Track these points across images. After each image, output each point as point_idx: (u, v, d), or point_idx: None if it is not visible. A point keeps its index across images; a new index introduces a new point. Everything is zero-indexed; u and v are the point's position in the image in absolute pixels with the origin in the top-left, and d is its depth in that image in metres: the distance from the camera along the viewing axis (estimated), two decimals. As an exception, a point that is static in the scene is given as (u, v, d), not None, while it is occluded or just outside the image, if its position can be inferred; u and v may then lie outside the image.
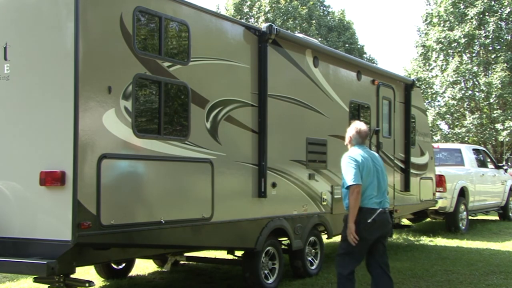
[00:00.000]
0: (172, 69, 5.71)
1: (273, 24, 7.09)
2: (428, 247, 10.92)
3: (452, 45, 26.06)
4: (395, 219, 10.46)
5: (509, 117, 24.87)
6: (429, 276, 8.03)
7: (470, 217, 13.82)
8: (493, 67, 25.55)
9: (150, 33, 5.62)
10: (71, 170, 4.75)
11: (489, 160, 15.68)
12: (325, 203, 8.07)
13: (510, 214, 15.83)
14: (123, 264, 7.79)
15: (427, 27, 28.23)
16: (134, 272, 8.14)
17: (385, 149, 9.70)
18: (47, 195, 4.87)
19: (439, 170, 12.42)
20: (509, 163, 16.36)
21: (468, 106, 26.90)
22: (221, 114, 6.34)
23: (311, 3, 30.82)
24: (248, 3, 30.42)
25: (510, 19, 25.74)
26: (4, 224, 5.09)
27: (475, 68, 25.79)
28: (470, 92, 26.13)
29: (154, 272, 8.37)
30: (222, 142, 6.31)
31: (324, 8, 32.88)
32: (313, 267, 7.90)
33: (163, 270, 7.83)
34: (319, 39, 26.98)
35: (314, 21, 29.84)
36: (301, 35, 8.47)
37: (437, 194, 12.01)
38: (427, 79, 27.52)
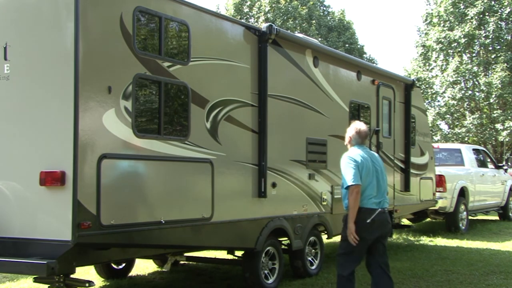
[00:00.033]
0: (172, 69, 5.71)
1: (273, 24, 7.09)
2: (428, 247, 10.92)
3: (452, 45, 26.06)
4: (395, 219, 10.46)
5: (509, 117, 24.86)
6: (429, 276, 8.03)
7: (470, 217, 13.81)
8: (493, 67, 25.54)
9: (150, 33, 5.62)
10: (71, 170, 4.75)
11: (489, 160, 15.67)
12: (325, 203, 8.07)
13: (510, 214, 15.82)
14: (123, 264, 7.79)
15: (427, 27, 28.22)
16: (134, 272, 8.14)
17: (385, 149, 9.70)
18: (47, 195, 4.88)
19: (439, 170, 12.42)
20: (509, 163, 16.36)
21: (468, 106, 26.90)
22: (221, 114, 6.34)
23: (311, 3, 30.81)
24: (248, 3, 30.41)
25: (510, 19, 25.73)
26: (4, 224, 5.09)
27: (475, 68, 25.78)
28: (470, 92, 26.12)
29: (154, 272, 8.37)
30: (222, 142, 6.31)
31: (324, 8, 32.87)
32: (313, 267, 7.91)
33: (163, 270, 7.82)
34: (319, 39, 26.98)
35: (314, 21, 29.82)
36: (301, 35, 8.47)
37: (437, 194, 12.00)
38: (427, 79, 27.51)
